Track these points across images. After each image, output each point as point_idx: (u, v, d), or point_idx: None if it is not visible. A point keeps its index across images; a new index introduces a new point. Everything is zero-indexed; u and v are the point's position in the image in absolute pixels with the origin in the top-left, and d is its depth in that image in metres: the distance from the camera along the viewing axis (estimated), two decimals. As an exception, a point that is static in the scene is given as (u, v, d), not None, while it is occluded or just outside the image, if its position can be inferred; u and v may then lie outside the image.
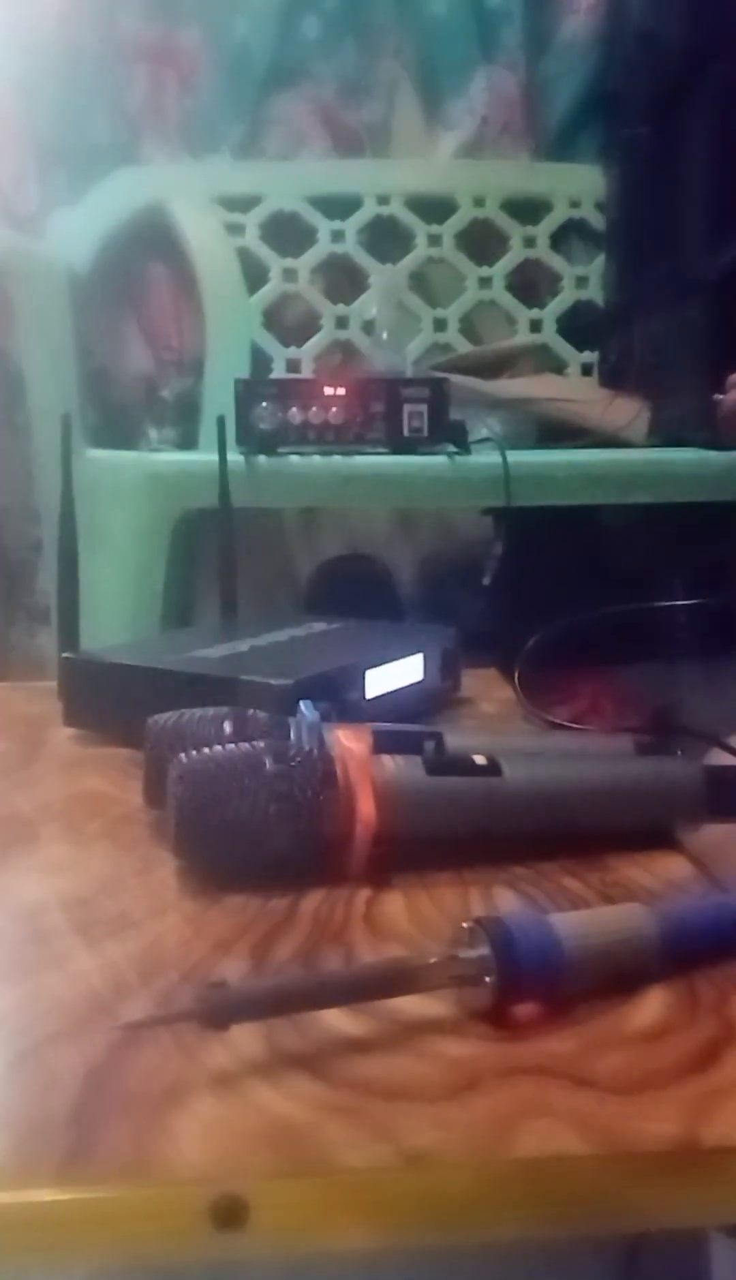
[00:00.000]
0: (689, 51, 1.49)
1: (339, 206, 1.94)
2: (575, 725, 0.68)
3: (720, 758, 0.57)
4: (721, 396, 0.78)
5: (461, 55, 1.95)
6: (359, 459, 1.37)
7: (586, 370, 1.96)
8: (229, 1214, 0.29)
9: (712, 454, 1.39)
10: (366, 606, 1.67)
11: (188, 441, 1.83)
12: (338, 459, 1.34)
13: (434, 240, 1.95)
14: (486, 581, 1.24)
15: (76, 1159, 0.31)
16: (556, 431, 1.54)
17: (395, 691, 0.74)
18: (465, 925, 0.39)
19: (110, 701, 0.72)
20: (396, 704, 0.74)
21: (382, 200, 1.94)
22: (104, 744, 0.70)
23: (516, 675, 0.80)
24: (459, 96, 1.97)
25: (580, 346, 1.96)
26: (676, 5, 1.51)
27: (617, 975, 0.39)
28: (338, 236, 1.93)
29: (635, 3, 1.69)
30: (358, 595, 1.83)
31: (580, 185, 1.95)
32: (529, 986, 0.37)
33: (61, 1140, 0.32)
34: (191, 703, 0.59)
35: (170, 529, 1.34)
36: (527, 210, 1.99)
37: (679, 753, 0.58)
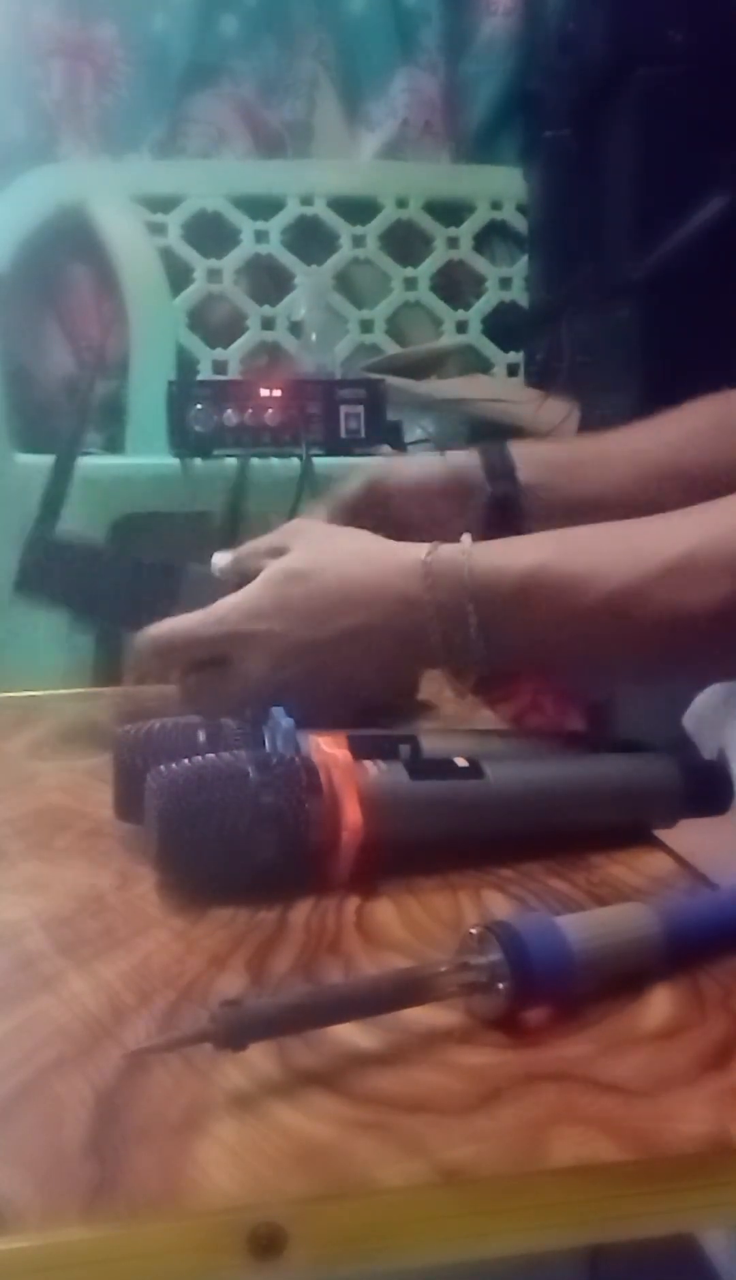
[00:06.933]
0: (609, 52, 1.50)
1: (262, 207, 1.93)
2: (546, 730, 0.68)
3: None
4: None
5: (381, 55, 1.95)
6: (297, 461, 1.36)
7: (512, 371, 1.97)
8: (268, 1242, 0.28)
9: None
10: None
11: (113, 445, 1.80)
12: (275, 461, 1.32)
13: (358, 241, 1.95)
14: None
15: (101, 1193, 0.29)
16: (488, 432, 1.55)
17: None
18: (473, 931, 0.38)
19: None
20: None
21: (306, 201, 1.93)
22: (59, 757, 0.68)
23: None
24: (379, 97, 1.97)
25: (505, 347, 1.98)
26: (596, 7, 1.52)
27: (625, 975, 0.39)
28: (261, 237, 1.92)
29: (554, 4, 1.71)
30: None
31: (501, 187, 1.97)
32: (542, 991, 0.37)
33: (82, 1174, 0.30)
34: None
35: (105, 536, 1.31)
36: (450, 212, 1.99)
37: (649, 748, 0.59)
